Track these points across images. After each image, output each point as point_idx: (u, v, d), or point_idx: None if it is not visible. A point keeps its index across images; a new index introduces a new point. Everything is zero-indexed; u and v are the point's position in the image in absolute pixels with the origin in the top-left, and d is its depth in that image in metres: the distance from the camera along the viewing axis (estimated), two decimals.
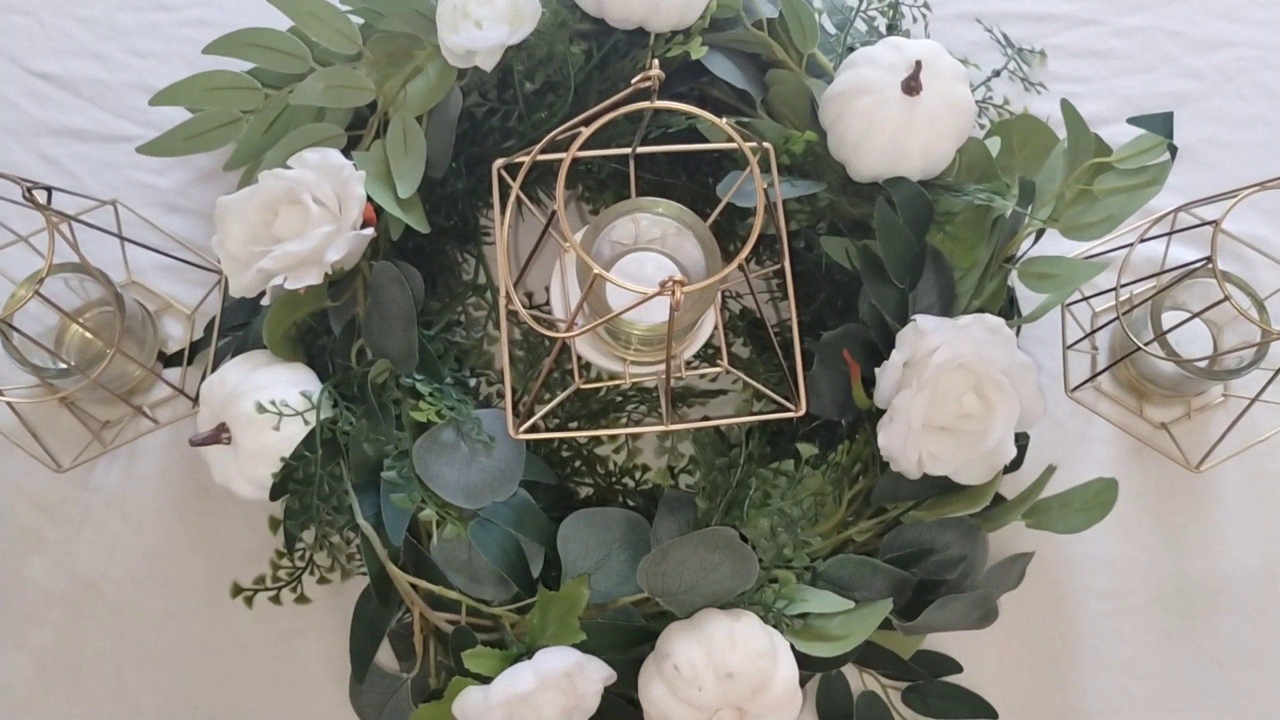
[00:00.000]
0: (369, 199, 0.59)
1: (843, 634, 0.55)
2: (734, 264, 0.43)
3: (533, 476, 0.59)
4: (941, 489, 0.60)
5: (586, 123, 0.46)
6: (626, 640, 0.56)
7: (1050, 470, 0.60)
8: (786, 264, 0.54)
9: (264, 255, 0.57)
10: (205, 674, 0.65)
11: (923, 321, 0.57)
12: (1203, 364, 0.64)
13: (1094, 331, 0.69)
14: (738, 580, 0.54)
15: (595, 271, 0.43)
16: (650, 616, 0.57)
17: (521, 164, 0.49)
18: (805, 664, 0.55)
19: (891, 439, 0.57)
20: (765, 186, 0.45)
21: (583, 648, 0.54)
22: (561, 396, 0.57)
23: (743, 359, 0.68)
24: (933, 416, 0.57)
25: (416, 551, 0.57)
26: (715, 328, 0.59)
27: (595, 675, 0.52)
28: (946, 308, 0.62)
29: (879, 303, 0.60)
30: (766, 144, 0.57)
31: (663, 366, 0.58)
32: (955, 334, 0.57)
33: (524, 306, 0.68)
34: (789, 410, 0.54)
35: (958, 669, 0.64)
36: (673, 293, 0.42)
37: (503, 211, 0.50)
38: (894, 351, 0.58)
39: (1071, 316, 0.70)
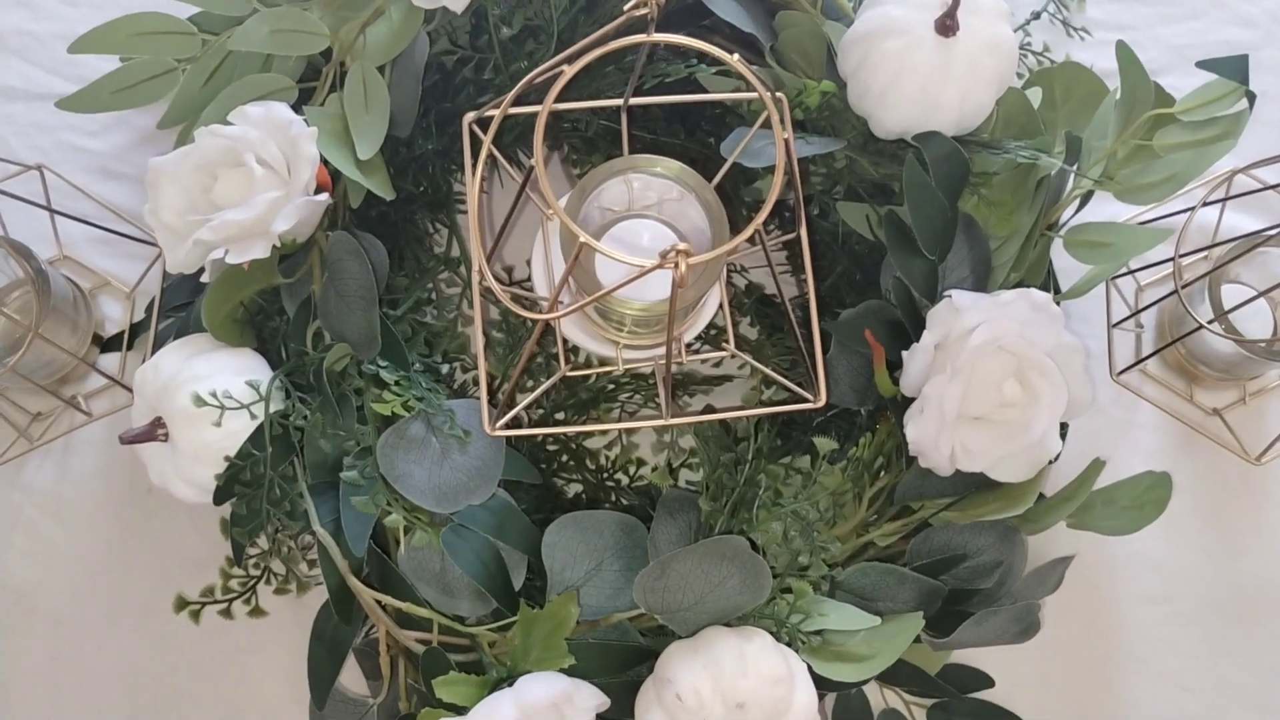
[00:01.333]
0: (323, 160, 0.52)
1: (867, 654, 0.48)
2: (750, 229, 0.35)
3: (514, 475, 0.52)
4: (976, 487, 0.53)
5: (570, 61, 0.38)
6: (621, 662, 0.49)
7: (1098, 464, 0.53)
8: (803, 231, 0.47)
9: (202, 225, 0.50)
10: (150, 695, 0.58)
11: (959, 297, 0.50)
12: (1262, 344, 0.57)
13: (1144, 309, 0.62)
14: (748, 595, 0.47)
15: (582, 240, 0.35)
16: (648, 632, 0.51)
17: (497, 120, 0.42)
18: (823, 685, 0.49)
19: (922, 432, 0.50)
20: (785, 138, 0.37)
21: (571, 671, 0.47)
22: (546, 385, 0.50)
23: (750, 341, 0.60)
24: (969, 406, 0.50)
25: (382, 562, 0.50)
26: (720, 306, 0.52)
27: (586, 704, 0.46)
28: (981, 282, 0.55)
29: (906, 276, 0.53)
30: (780, 94, 0.49)
31: (661, 351, 0.51)
32: (996, 312, 0.50)
33: (502, 283, 0.61)
34: (807, 400, 0.47)
35: (989, 684, 0.57)
36: (676, 265, 0.34)
37: (474, 172, 0.43)
38: (925, 332, 0.51)
39: (1117, 291, 0.63)
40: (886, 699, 0.57)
